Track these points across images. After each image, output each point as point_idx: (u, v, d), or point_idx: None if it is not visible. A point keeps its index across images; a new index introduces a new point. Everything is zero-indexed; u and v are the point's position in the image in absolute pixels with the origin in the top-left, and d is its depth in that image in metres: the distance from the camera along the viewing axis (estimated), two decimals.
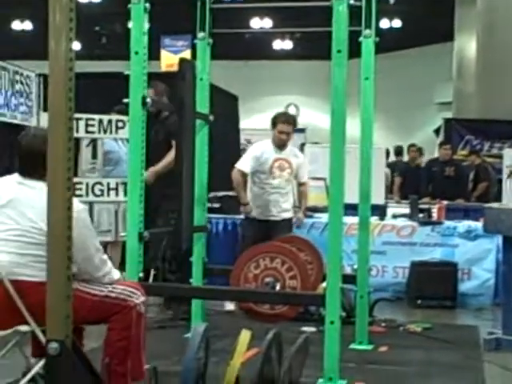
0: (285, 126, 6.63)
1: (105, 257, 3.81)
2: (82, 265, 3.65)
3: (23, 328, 3.69)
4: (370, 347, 5.53)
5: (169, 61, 12.18)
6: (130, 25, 4.71)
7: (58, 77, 3.15)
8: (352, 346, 5.48)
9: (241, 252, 5.68)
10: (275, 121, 6.67)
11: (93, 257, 3.71)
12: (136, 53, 4.64)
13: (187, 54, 11.90)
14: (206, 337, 3.68)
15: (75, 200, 3.35)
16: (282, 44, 20.44)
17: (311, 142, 11.94)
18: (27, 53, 16.50)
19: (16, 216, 3.62)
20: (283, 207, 6.67)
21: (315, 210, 7.87)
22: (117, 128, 6.63)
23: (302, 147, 9.62)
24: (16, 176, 3.76)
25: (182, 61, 5.20)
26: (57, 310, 3.19)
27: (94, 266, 3.73)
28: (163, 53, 12.70)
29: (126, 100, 4.67)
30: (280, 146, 6.66)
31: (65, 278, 3.20)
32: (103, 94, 8.10)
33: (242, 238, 6.97)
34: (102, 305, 3.71)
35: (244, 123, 12.46)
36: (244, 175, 6.64)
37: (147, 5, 4.62)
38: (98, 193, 6.48)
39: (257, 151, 6.68)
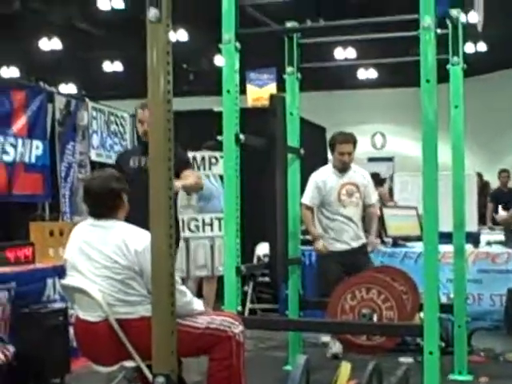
0: (345, 145, 6.10)
1: (183, 288, 3.86)
2: None
3: (128, 364, 3.81)
4: (469, 378, 5.45)
5: (254, 95, 12.30)
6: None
7: (158, 118, 3.27)
8: (451, 376, 5.41)
9: (322, 289, 5.68)
10: (333, 142, 6.16)
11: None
12: (228, 91, 4.74)
13: (273, 87, 12.03)
14: (307, 369, 3.71)
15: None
16: (367, 73, 20.42)
17: (400, 171, 11.86)
18: (119, 93, 17.00)
19: (99, 258, 3.77)
20: (358, 234, 6.21)
21: (407, 239, 7.81)
22: (210, 164, 6.78)
23: (391, 179, 9.56)
24: (89, 219, 3.93)
25: (273, 97, 5.31)
26: (162, 345, 3.27)
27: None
28: (249, 87, 12.83)
29: (219, 137, 4.78)
30: (343, 169, 6.15)
31: (169, 313, 3.29)
32: (193, 131, 8.28)
33: (321, 274, 6.21)
34: (203, 337, 3.80)
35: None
36: (310, 208, 6.13)
37: (237, 44, 4.73)
38: (194, 228, 6.62)
39: (318, 181, 6.17)
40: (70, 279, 3.89)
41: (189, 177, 5.18)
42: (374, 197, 6.40)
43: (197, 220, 6.67)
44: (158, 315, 3.29)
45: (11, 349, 4.94)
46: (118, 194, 3.89)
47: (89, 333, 3.81)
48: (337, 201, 6.11)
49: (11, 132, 6.75)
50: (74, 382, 5.41)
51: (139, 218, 3.61)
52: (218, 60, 18.14)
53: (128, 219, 3.95)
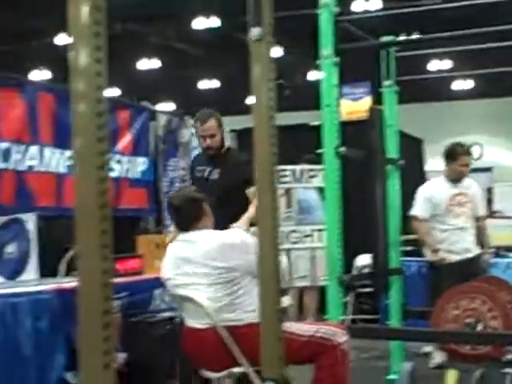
0: (466, 157, 6.21)
1: None
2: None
3: (237, 370, 3.93)
4: None
5: (349, 108, 12.35)
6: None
7: (262, 135, 3.38)
8: None
9: (433, 299, 5.67)
10: (454, 153, 6.21)
11: None
12: (327, 105, 4.84)
13: (367, 101, 12.06)
14: (414, 376, 3.75)
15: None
16: (463, 83, 20.18)
17: (498, 182, 11.68)
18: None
19: (198, 269, 3.91)
20: (472, 244, 6.22)
21: (509, 249, 7.71)
22: (309, 177, 6.86)
23: (489, 190, 9.44)
24: (180, 235, 4.09)
25: (372, 109, 5.38)
26: (271, 351, 3.37)
27: None
28: (343, 101, 12.91)
29: (319, 150, 4.88)
30: (457, 179, 6.21)
31: (276, 319, 3.40)
32: (289, 145, 8.40)
33: (435, 285, 6.19)
34: (308, 345, 3.88)
35: (428, 166, 12.39)
36: (422, 221, 6.21)
37: (337, 59, 4.83)
38: (294, 240, 6.71)
39: (427, 193, 6.27)
40: (177, 290, 4.04)
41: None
42: (482, 209, 6.41)
43: (297, 232, 6.76)
44: (265, 321, 3.40)
45: (122, 356, 5.14)
46: (199, 205, 4.05)
47: (197, 340, 3.95)
48: (448, 211, 6.15)
49: (116, 149, 7.02)
50: None
51: None
52: (312, 75, 18.27)
53: None
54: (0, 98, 5.71)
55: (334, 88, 4.81)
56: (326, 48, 4.79)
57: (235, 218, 4.89)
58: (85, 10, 2.08)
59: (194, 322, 3.94)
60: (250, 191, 5.11)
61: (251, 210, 5.03)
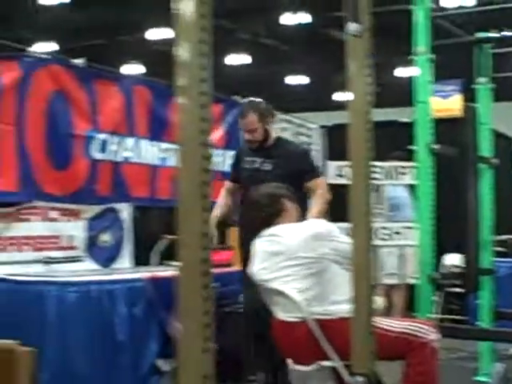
0: None
1: None
2: None
3: (326, 363, 3.96)
4: None
5: (438, 106, 12.18)
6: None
7: (358, 128, 3.41)
8: None
9: None
10: None
11: None
12: (421, 102, 4.81)
13: (458, 98, 11.87)
14: (507, 377, 3.71)
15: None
16: None
17: None
18: (303, 105, 17.34)
19: (286, 263, 3.94)
20: None
21: None
22: (398, 174, 6.81)
23: None
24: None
25: (466, 107, 5.31)
26: (362, 345, 3.39)
27: None
28: (432, 98, 12.71)
29: (411, 147, 4.85)
30: None
31: (368, 314, 3.41)
32: (377, 142, 8.34)
33: None
34: (398, 341, 3.87)
35: None
36: None
37: (432, 55, 4.79)
38: (383, 237, 6.68)
39: None
40: (268, 284, 4.09)
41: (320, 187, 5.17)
42: None
43: (386, 229, 6.72)
44: (357, 315, 3.41)
45: (215, 345, 5.22)
46: (278, 200, 4.08)
47: (287, 333, 3.99)
48: None
49: None
50: None
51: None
52: (399, 72, 18.10)
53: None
54: (99, 90, 5.87)
55: (428, 85, 4.79)
56: (421, 44, 4.77)
57: None
58: (191, 4, 2.14)
59: (284, 316, 3.97)
60: (315, 183, 5.15)
61: (319, 202, 5.09)
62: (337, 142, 8.52)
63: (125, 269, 5.82)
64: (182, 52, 2.21)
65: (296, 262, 3.91)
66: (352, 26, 3.34)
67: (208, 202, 2.27)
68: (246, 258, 4.53)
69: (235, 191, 5.40)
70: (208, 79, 2.18)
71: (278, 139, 5.34)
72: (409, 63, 4.91)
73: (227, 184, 5.45)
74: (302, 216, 4.43)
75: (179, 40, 2.20)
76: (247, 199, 4.56)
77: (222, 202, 5.35)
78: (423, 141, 4.77)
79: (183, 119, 2.22)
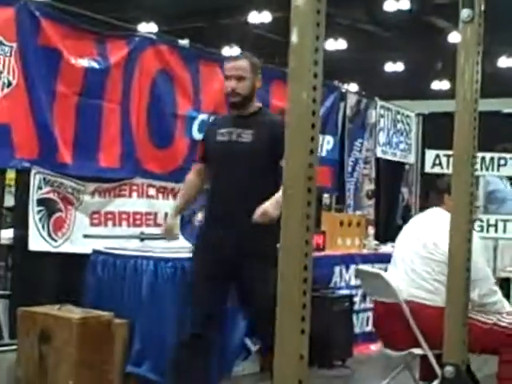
0: None
1: (495, 288, 3.91)
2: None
3: (417, 351, 3.94)
4: None
5: None
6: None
7: (465, 116, 3.35)
8: None
9: None
10: None
11: (481, 283, 3.83)
12: None
13: None
14: None
15: None
16: None
17: None
18: (398, 93, 17.15)
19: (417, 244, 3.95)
20: None
21: None
22: (498, 166, 6.71)
23: None
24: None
25: None
26: (454, 336, 3.35)
27: (481, 294, 3.85)
28: None
29: None
30: None
31: (463, 305, 3.38)
32: (480, 132, 8.19)
33: None
34: (490, 334, 3.82)
35: None
36: None
37: None
38: (477, 229, 6.60)
39: None
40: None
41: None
42: None
43: (481, 221, 6.64)
44: (451, 305, 3.38)
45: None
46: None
47: (383, 315, 4.01)
48: None
49: None
50: (355, 365, 5.64)
51: (231, 194, 3.98)
52: (502, 62, 17.67)
53: (217, 196, 4.06)
54: (202, 70, 5.95)
55: None
56: None
57: (266, 192, 3.85)
58: None
59: (381, 297, 3.99)
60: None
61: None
62: (432, 131, 8.45)
63: None
64: (296, 35, 2.22)
65: (423, 248, 3.96)
66: (465, 12, 3.29)
67: (313, 184, 2.29)
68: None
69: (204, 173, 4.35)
70: (320, 62, 2.19)
71: (261, 108, 4.25)
72: None
73: (196, 165, 4.41)
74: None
75: (294, 22, 2.21)
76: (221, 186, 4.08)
77: (188, 186, 4.38)
78: None
79: (294, 101, 2.24)
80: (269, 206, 3.75)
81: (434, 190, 4.20)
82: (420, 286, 3.89)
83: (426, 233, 3.97)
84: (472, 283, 3.79)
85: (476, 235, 3.85)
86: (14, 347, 4.53)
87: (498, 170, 6.70)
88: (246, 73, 4.11)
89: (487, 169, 6.70)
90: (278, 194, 3.65)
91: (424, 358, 3.96)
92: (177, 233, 4.49)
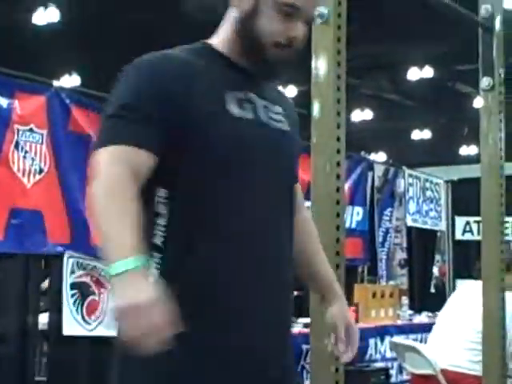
0: None
1: None
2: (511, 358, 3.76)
3: None
4: None
5: None
6: None
7: (491, 182, 3.38)
8: None
9: None
10: None
11: None
12: None
13: None
14: None
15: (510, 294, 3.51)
16: None
17: None
18: (426, 160, 17.18)
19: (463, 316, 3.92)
20: None
21: None
22: None
23: None
24: None
25: None
26: None
27: None
28: None
29: None
30: None
31: (499, 375, 3.33)
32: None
33: None
34: None
35: None
36: None
37: None
38: None
39: None
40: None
41: None
42: None
43: None
44: (488, 375, 3.34)
45: None
46: None
47: None
48: None
49: None
50: None
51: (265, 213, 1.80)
52: None
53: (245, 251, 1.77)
54: None
55: None
56: None
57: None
58: (327, 64, 2.20)
59: (418, 370, 3.96)
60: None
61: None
62: (462, 197, 8.43)
63: None
64: (318, 110, 2.27)
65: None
66: (485, 80, 3.34)
67: (342, 260, 2.32)
68: None
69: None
70: (342, 137, 2.23)
71: None
72: None
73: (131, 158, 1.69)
74: None
75: (315, 98, 2.27)
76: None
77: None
78: None
79: (318, 177, 2.27)
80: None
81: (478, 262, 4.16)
82: (464, 356, 3.85)
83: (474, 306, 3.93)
84: None
85: None
86: None
87: None
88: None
89: None
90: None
91: None
92: None
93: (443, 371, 3.85)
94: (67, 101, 4.95)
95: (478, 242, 3.77)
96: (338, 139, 2.30)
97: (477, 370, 3.69)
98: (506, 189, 6.64)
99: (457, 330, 3.93)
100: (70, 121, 4.96)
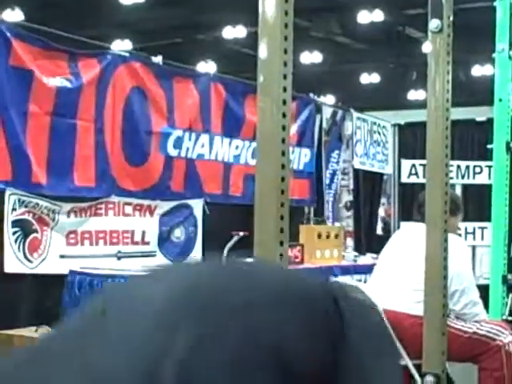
0: None
1: (478, 299, 3.89)
2: (451, 298, 3.80)
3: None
4: None
5: None
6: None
7: (437, 126, 3.38)
8: None
9: None
10: None
11: (466, 292, 3.82)
12: (500, 100, 4.74)
13: None
14: None
15: (454, 236, 3.54)
16: None
17: None
18: (374, 104, 17.24)
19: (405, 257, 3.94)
20: None
21: None
22: (474, 173, 6.75)
23: None
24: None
25: None
26: (433, 345, 3.36)
27: (464, 303, 3.85)
28: None
29: (489, 146, 4.79)
30: None
31: (441, 315, 3.38)
32: (453, 140, 8.26)
33: None
34: (470, 342, 3.81)
35: None
36: None
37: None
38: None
39: None
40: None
41: None
42: None
43: (459, 228, 6.67)
44: (430, 315, 3.38)
45: None
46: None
47: None
48: None
49: None
50: None
51: None
52: (475, 70, 17.80)
53: None
54: (176, 87, 5.94)
55: (507, 82, 4.71)
56: (502, 42, 4.70)
57: None
58: (274, 2, 2.15)
59: None
60: None
61: None
62: (407, 141, 8.49)
63: None
64: (265, 49, 2.22)
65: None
66: (434, 23, 3.31)
67: (285, 198, 2.29)
68: None
69: None
70: (289, 76, 2.19)
71: None
72: (485, 62, 4.84)
73: None
74: None
75: (262, 36, 2.21)
76: None
77: None
78: (500, 138, 4.69)
79: (264, 115, 2.23)
80: None
81: (415, 204, 4.19)
82: (406, 296, 3.88)
83: (417, 248, 3.97)
84: (458, 292, 3.80)
85: (464, 244, 3.86)
86: None
87: (474, 177, 6.74)
88: None
89: (463, 177, 6.74)
90: None
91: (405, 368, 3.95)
92: None
93: (385, 311, 3.88)
94: (8, 34, 4.80)
95: (423, 185, 3.81)
96: (285, 77, 2.25)
97: (418, 309, 3.73)
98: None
99: (399, 271, 3.96)
100: (11, 55, 4.81)
